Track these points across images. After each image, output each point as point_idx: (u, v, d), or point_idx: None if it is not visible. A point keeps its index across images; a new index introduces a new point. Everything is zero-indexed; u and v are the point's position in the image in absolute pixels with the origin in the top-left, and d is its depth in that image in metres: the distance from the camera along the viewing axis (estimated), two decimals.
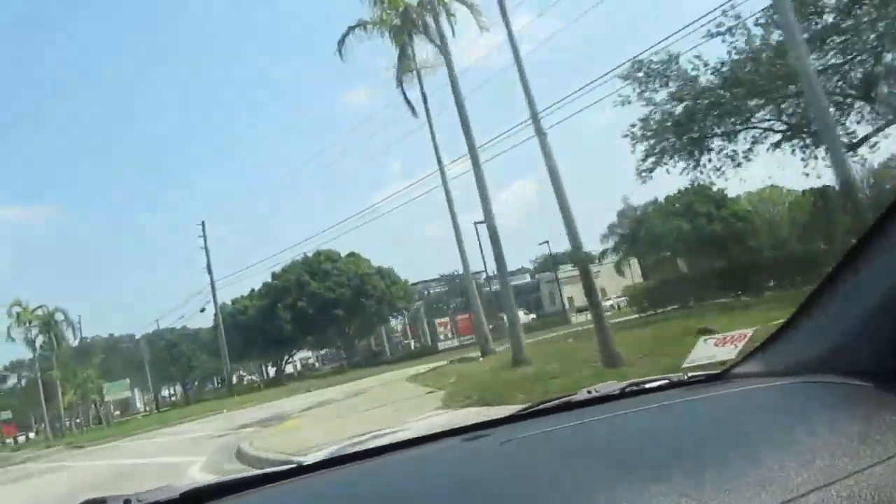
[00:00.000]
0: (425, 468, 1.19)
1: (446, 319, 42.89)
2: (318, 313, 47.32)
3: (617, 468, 0.92)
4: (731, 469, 0.83)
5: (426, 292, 50.73)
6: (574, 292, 53.70)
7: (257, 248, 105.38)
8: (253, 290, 54.23)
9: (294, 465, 1.25)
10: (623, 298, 53.68)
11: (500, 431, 1.32)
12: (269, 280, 50.69)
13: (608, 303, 52.73)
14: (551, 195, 12.11)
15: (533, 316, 47.57)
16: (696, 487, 0.79)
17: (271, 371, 61.52)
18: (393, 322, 52.07)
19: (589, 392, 1.55)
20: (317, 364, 66.05)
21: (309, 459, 1.33)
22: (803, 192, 51.43)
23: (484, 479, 1.00)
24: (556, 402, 1.53)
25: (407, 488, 1.06)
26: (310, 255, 50.13)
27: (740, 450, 0.89)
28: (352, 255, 51.77)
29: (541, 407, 1.54)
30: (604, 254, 52.77)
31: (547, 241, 50.61)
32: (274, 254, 70.60)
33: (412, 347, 45.15)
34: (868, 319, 1.02)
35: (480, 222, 44.41)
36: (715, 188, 51.35)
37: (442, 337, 41.98)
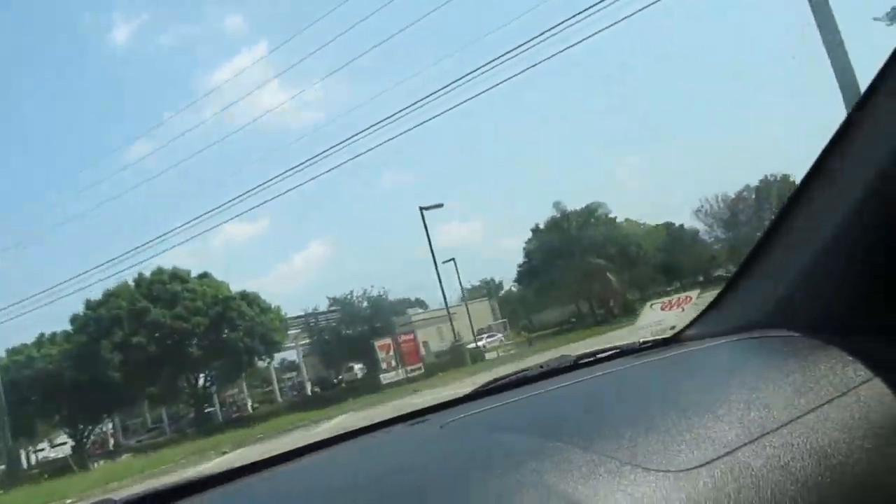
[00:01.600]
0: (366, 458, 1.19)
1: (387, 341, 30.80)
2: (164, 353, 33.25)
3: (548, 439, 0.88)
4: (666, 430, 0.82)
5: (312, 322, 38.52)
6: (427, 335, 45.00)
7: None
8: (43, 335, 38.42)
9: (246, 463, 1.23)
10: (503, 334, 46.21)
11: (446, 414, 1.29)
12: (84, 311, 35.25)
13: (493, 338, 44.46)
14: None
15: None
16: (626, 450, 0.78)
17: (32, 455, 43.79)
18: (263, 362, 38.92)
19: (541, 367, 1.53)
20: (110, 440, 48.80)
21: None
22: (656, 225, 50.27)
23: (416, 465, 1.00)
24: (509, 379, 1.52)
25: (343, 480, 1.04)
26: (147, 275, 36.06)
27: (679, 410, 0.88)
28: (204, 275, 38.39)
29: (493, 385, 1.52)
30: (520, 278, 45.14)
31: (453, 259, 40.66)
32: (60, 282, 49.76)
33: (309, 391, 32.68)
34: (803, 272, 1.04)
35: (427, 207, 33.75)
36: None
37: (384, 366, 30.09)
